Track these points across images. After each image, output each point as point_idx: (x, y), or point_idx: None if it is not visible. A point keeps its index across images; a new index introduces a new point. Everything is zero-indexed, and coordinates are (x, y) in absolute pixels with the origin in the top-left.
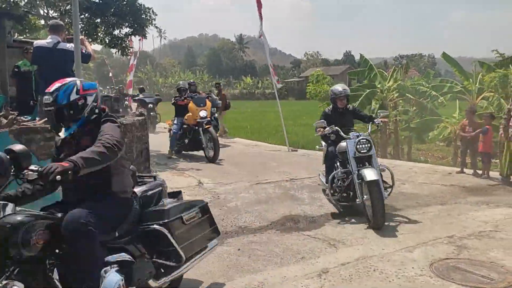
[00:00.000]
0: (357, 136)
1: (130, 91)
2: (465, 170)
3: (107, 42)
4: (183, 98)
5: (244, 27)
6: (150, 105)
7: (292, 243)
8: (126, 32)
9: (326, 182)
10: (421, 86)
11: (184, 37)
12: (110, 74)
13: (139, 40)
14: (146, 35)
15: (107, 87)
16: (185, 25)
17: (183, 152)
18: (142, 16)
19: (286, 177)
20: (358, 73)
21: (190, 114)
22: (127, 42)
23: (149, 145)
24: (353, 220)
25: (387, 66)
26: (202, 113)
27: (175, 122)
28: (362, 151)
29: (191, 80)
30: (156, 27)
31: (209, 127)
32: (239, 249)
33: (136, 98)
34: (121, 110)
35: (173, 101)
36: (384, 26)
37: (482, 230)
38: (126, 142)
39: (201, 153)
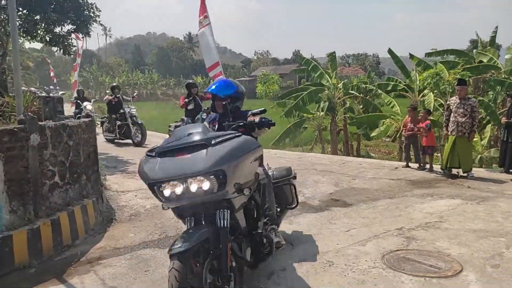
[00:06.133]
0: None
1: (75, 92)
2: (410, 164)
3: (48, 40)
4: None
5: (193, 26)
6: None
7: None
8: (68, 30)
9: None
10: (367, 85)
11: (131, 36)
12: (52, 74)
13: (82, 37)
14: (90, 32)
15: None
16: (131, 23)
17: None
18: (85, 12)
19: None
20: (304, 71)
21: None
22: (70, 40)
23: (97, 147)
24: (307, 217)
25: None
26: None
27: None
28: None
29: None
30: (101, 24)
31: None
32: None
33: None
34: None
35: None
36: (331, 26)
37: (428, 221)
38: (72, 145)
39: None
